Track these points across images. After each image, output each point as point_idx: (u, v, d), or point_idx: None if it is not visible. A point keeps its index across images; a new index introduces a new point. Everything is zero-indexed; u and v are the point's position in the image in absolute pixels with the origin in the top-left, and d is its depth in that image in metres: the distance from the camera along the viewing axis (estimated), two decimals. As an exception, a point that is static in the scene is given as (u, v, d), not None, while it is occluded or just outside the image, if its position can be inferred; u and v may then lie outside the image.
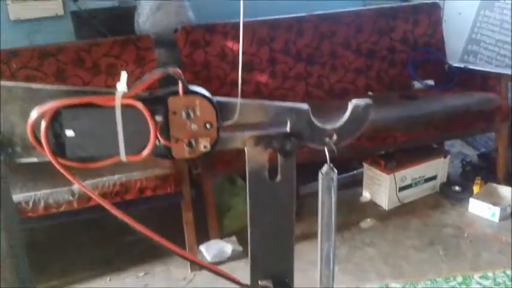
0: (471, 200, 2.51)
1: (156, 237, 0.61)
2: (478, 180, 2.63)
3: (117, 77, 2.18)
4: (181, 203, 2.19)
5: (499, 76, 2.62)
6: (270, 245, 0.52)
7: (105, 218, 2.69)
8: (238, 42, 2.71)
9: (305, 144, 0.62)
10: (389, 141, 2.45)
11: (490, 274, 0.91)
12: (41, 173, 2.14)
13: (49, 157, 0.59)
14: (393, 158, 2.61)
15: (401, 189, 2.62)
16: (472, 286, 0.89)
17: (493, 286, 0.89)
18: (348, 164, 3.04)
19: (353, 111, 0.64)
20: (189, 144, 0.57)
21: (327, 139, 0.62)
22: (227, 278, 0.53)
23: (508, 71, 2.58)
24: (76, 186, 1.99)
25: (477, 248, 2.20)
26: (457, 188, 2.70)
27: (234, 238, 2.42)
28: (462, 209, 2.56)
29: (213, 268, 0.54)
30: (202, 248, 2.33)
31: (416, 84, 2.92)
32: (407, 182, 2.64)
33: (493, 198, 2.52)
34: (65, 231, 2.58)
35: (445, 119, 2.51)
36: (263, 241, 0.52)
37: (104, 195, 2.00)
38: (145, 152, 0.58)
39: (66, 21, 3.01)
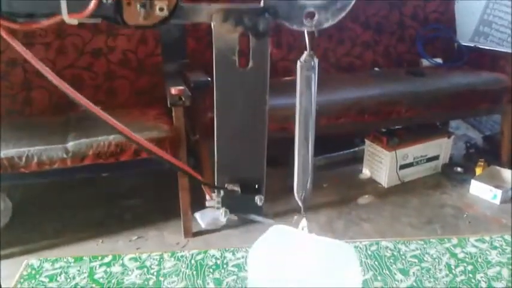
0: (473, 181, 2.46)
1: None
2: (481, 162, 2.57)
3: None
4: (178, 168, 2.15)
5: (508, 56, 2.55)
6: (239, 145, 0.46)
7: (100, 180, 2.68)
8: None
9: (280, 22, 0.54)
10: (393, 117, 2.39)
11: (487, 238, 0.87)
12: (36, 130, 2.12)
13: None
14: (396, 135, 2.56)
15: (402, 167, 2.57)
16: (467, 248, 0.85)
17: (489, 249, 0.84)
18: (350, 140, 2.99)
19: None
20: (143, 5, 0.50)
21: (308, 20, 0.54)
22: (186, 172, 0.47)
23: (517, 51, 2.51)
24: (70, 144, 1.95)
25: (475, 229, 2.16)
26: (459, 169, 2.65)
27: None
28: (463, 190, 2.51)
29: (169, 159, 0.48)
30: (197, 215, 2.30)
31: (424, 62, 2.86)
32: (409, 160, 2.58)
33: (495, 181, 2.47)
34: (59, 191, 2.56)
35: (451, 96, 2.44)
36: (231, 140, 0.46)
37: (98, 155, 1.96)
38: (89, 8, 0.49)
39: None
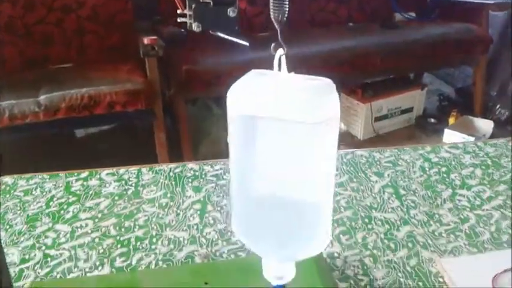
0: (446, 130, 2.50)
1: None
2: (454, 113, 2.62)
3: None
4: (154, 123, 2.13)
5: (480, 6, 2.58)
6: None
7: (75, 141, 2.64)
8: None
9: None
10: (368, 68, 2.40)
11: (460, 145, 0.89)
12: (7, 86, 2.06)
13: None
14: (370, 88, 2.58)
15: (377, 119, 2.61)
16: (441, 154, 0.87)
17: (463, 154, 0.86)
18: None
19: None
20: None
21: None
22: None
23: (489, 1, 2.54)
24: (42, 98, 1.91)
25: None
26: (432, 120, 2.70)
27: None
28: (437, 140, 2.56)
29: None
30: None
31: (398, 16, 2.87)
32: (384, 112, 2.62)
33: (468, 130, 2.51)
34: (33, 155, 2.52)
35: (424, 47, 2.47)
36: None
37: (71, 108, 1.93)
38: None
39: None
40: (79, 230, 0.72)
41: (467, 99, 2.80)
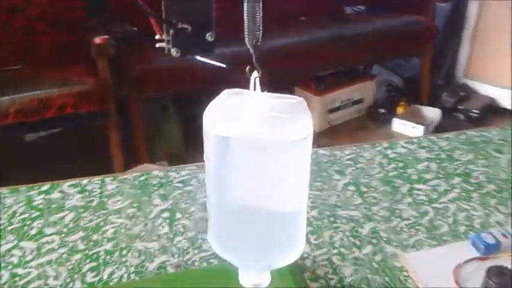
0: (394, 119, 2.60)
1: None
2: (402, 102, 2.72)
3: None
4: (107, 124, 2.09)
5: (427, -1, 2.68)
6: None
7: (25, 146, 2.55)
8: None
9: None
10: (321, 62, 2.45)
11: (415, 140, 0.93)
12: None
13: None
14: (323, 81, 2.63)
15: (331, 111, 2.66)
16: (397, 149, 0.90)
17: (418, 149, 0.91)
18: (279, 92, 3.04)
19: None
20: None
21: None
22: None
23: (434, -7, 2.64)
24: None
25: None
26: (382, 110, 2.79)
27: (165, 162, 2.38)
28: (386, 129, 2.65)
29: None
30: (132, 171, 2.26)
31: (348, 10, 2.93)
32: (336, 104, 2.68)
33: (416, 118, 2.62)
34: None
35: (374, 40, 2.54)
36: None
37: (22, 112, 1.86)
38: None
39: None
40: (45, 246, 0.70)
41: (415, 89, 2.91)
